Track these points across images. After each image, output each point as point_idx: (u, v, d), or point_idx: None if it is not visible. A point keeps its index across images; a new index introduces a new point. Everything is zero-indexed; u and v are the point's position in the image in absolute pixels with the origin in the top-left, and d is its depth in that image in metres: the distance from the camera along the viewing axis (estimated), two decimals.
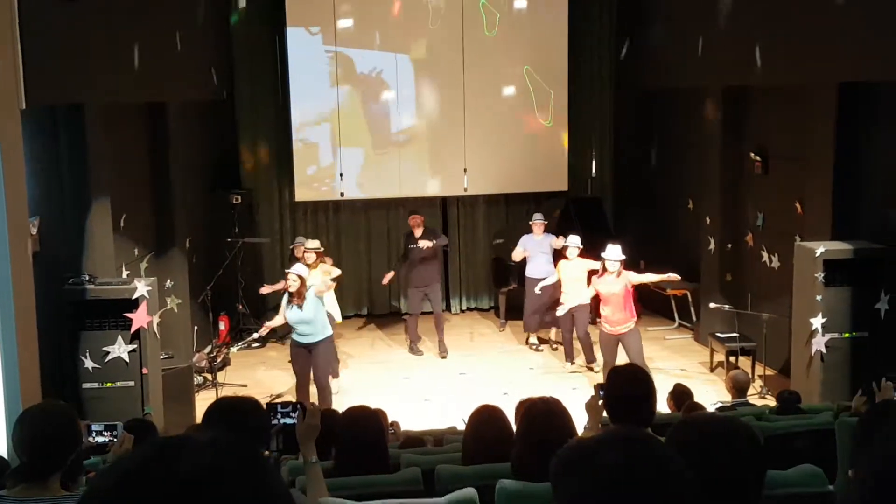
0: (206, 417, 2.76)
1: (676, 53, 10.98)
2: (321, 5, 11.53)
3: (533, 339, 10.95)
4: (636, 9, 12.18)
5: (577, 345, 10.10)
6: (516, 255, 10.48)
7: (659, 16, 11.62)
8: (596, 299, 9.23)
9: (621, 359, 8.71)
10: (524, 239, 10.54)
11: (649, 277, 9.08)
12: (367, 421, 3.80)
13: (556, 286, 9.90)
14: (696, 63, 10.44)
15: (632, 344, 8.81)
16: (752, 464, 1.91)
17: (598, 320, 9.14)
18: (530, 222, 10.61)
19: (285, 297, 8.57)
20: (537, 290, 10.08)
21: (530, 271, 10.49)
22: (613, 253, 8.78)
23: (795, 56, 8.46)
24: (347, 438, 3.74)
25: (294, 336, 8.60)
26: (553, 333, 10.88)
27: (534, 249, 10.42)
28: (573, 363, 10.10)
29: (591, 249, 9.49)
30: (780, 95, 9.41)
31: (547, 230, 10.61)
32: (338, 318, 9.85)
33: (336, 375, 9.58)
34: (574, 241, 9.59)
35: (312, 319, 8.44)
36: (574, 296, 9.53)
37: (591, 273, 9.30)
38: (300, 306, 8.35)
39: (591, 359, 9.91)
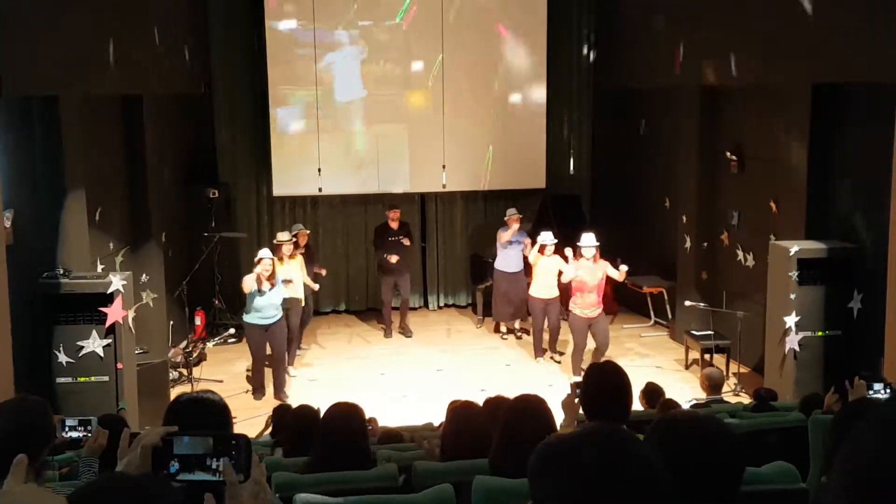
0: (168, 413, 2.73)
1: (654, 53, 11.06)
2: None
3: (503, 329, 11.27)
4: (614, 8, 12.24)
5: (545, 336, 10.37)
6: (503, 237, 10.67)
7: (636, 15, 11.68)
8: (565, 288, 9.66)
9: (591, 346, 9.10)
10: (500, 232, 10.76)
11: (614, 273, 9.44)
12: (350, 417, 3.77)
13: (526, 280, 10.24)
14: (672, 63, 10.52)
15: (601, 328, 9.43)
16: (731, 462, 1.93)
17: (570, 306, 9.47)
18: (505, 217, 10.76)
19: (252, 279, 8.81)
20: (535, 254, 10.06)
21: (500, 265, 10.81)
22: (588, 240, 9.26)
23: (770, 57, 8.54)
24: (329, 434, 3.72)
25: (254, 319, 8.91)
26: (518, 323, 11.23)
27: (507, 237, 10.66)
28: (543, 355, 10.33)
29: (570, 246, 9.62)
30: (756, 96, 9.49)
31: (522, 228, 10.82)
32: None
33: (291, 363, 10.07)
34: (549, 239, 9.86)
35: (279, 302, 9.04)
36: (546, 288, 9.90)
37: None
38: (272, 288, 8.82)
39: (554, 346, 10.29)
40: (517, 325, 11.23)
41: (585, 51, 12.72)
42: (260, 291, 8.80)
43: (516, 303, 10.81)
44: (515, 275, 10.70)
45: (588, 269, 9.25)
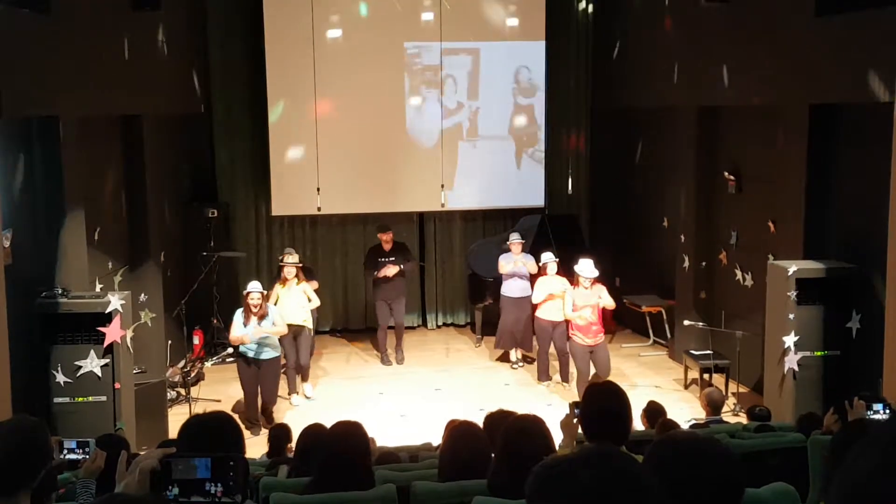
0: (181, 434, 2.73)
1: (652, 74, 11.11)
2: (300, 19, 11.55)
3: (514, 357, 10.89)
4: (612, 29, 12.32)
5: (551, 360, 10.15)
6: (504, 269, 10.46)
7: (634, 36, 11.75)
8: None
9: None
10: (503, 258, 10.57)
11: (608, 301, 9.34)
12: (354, 436, 3.75)
13: (532, 305, 10.00)
14: (671, 83, 10.57)
15: (601, 359, 9.22)
16: (730, 483, 1.93)
17: (571, 333, 9.34)
18: (507, 242, 10.59)
19: (239, 314, 8.60)
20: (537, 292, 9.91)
21: (506, 290, 10.56)
22: (587, 268, 9.09)
23: (768, 78, 8.59)
24: (333, 453, 3.69)
25: (243, 350, 8.64)
26: (520, 352, 10.87)
27: (511, 268, 10.46)
28: (550, 379, 10.14)
29: (567, 266, 9.61)
30: (754, 116, 9.53)
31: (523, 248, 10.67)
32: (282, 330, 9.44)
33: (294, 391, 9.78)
34: (549, 258, 9.78)
35: (266, 338, 8.64)
36: (552, 312, 9.72)
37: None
38: (259, 323, 8.51)
39: (566, 376, 9.97)
40: (519, 354, 10.87)
41: (584, 71, 12.78)
42: (245, 325, 8.54)
43: (520, 329, 10.52)
44: (520, 300, 10.37)
45: (582, 294, 9.14)
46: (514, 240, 10.53)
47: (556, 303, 9.69)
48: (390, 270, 10.58)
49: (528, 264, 10.35)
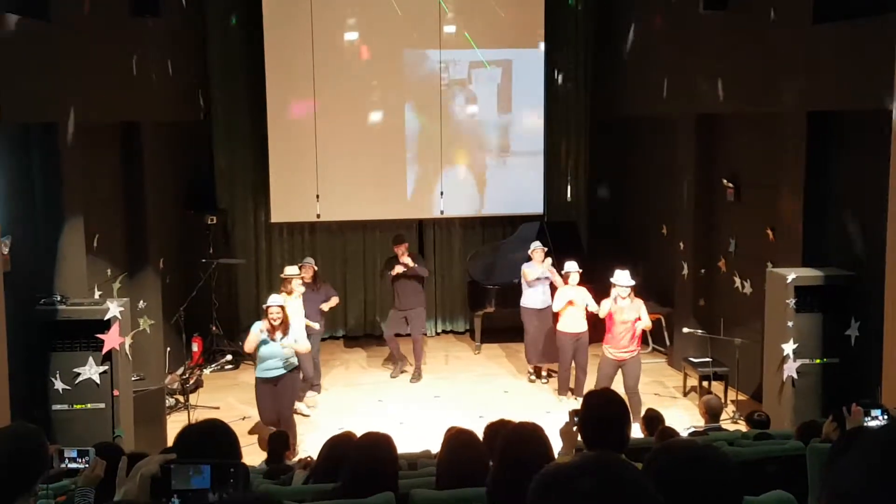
0: (177, 442, 2.73)
1: (651, 82, 11.13)
2: (299, 26, 11.57)
3: (530, 369, 10.68)
4: (611, 37, 12.34)
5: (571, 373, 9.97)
6: (529, 276, 10.16)
7: (633, 44, 11.78)
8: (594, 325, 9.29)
9: (616, 386, 8.63)
10: (526, 266, 10.29)
11: (645, 318, 8.92)
12: (382, 448, 3.75)
13: (554, 315, 9.85)
14: (669, 91, 10.58)
15: (631, 371, 8.85)
16: (729, 492, 1.93)
17: (604, 345, 9.03)
18: (529, 251, 10.29)
19: (259, 328, 8.06)
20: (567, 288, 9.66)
21: (526, 301, 10.33)
22: (623, 278, 8.81)
23: (766, 85, 8.60)
24: (360, 463, 3.69)
25: (260, 372, 8.15)
26: (546, 365, 10.62)
27: (538, 273, 10.16)
28: (570, 393, 9.88)
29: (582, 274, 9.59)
30: (752, 123, 9.55)
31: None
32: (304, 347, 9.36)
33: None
34: (573, 267, 9.53)
35: (290, 353, 8.15)
36: (573, 323, 9.56)
37: (591, 314, 9.32)
38: (277, 339, 8.00)
39: (580, 392, 9.57)
40: (531, 367, 10.66)
41: (583, 79, 12.80)
42: (265, 341, 7.99)
43: (545, 341, 10.26)
44: (543, 311, 10.16)
45: (622, 308, 8.78)
46: (536, 248, 10.25)
47: (576, 315, 9.51)
48: (405, 260, 10.22)
49: (553, 274, 10.03)
